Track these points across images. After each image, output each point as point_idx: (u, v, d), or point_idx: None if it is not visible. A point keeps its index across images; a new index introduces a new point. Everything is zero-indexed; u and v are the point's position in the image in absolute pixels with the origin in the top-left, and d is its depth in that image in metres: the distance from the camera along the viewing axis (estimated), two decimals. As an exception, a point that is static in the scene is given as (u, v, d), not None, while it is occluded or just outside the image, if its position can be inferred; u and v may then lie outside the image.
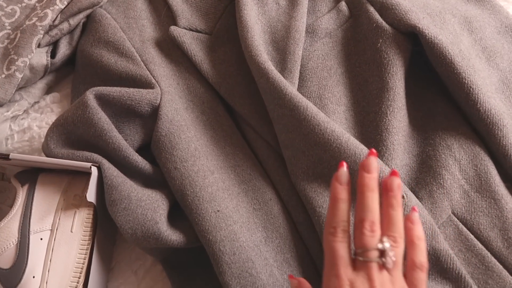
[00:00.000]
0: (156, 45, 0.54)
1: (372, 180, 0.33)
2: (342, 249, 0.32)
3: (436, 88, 0.51)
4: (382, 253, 0.31)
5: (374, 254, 0.31)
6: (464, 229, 0.45)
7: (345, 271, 0.31)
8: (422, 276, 0.32)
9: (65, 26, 0.54)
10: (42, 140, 0.54)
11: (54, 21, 0.52)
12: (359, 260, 0.31)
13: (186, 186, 0.45)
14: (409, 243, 0.33)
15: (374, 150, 0.35)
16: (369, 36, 0.52)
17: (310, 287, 0.36)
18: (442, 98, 0.51)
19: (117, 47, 0.52)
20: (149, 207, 0.43)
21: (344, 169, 0.35)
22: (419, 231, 0.34)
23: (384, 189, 0.34)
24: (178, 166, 0.46)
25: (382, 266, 0.31)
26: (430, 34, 0.48)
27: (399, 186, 0.34)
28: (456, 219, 0.45)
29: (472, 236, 0.44)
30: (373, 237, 0.31)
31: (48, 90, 0.57)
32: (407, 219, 0.35)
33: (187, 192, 0.45)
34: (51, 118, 0.55)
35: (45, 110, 0.56)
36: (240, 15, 0.51)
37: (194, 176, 0.45)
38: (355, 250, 0.32)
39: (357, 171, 0.42)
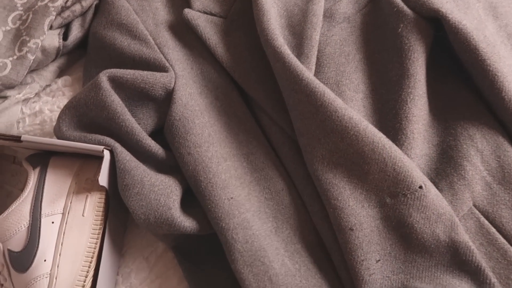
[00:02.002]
0: (169, 28, 0.53)
1: None
2: None
3: (458, 76, 0.50)
4: None
5: None
6: (486, 222, 0.43)
7: None
8: None
9: (77, 8, 0.53)
10: (54, 123, 0.54)
11: (66, 2, 0.52)
12: None
13: (199, 172, 0.44)
14: None
15: None
16: (389, 21, 0.50)
17: None
18: (465, 86, 0.50)
19: (130, 30, 0.51)
20: (162, 192, 0.43)
21: None
22: None
23: None
24: (191, 152, 0.45)
25: None
26: (454, 18, 0.47)
27: None
28: (477, 211, 0.44)
29: (494, 229, 0.43)
30: None
31: (60, 73, 0.57)
32: None
33: (201, 178, 0.44)
34: (63, 101, 0.55)
35: (57, 94, 0.56)
36: None
37: (207, 162, 0.45)
38: None
39: (375, 160, 0.42)
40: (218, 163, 0.45)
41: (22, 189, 0.51)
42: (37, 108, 0.55)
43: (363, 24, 0.52)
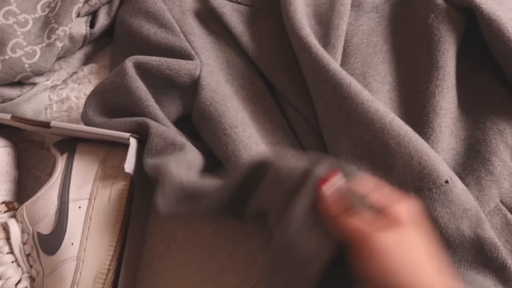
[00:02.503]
0: (195, 16, 0.53)
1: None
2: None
3: (489, 69, 0.49)
4: None
5: None
6: None
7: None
8: None
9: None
10: (80, 110, 0.55)
11: None
12: None
13: (240, 150, 0.44)
14: None
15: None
16: (419, 11, 0.49)
17: None
18: (495, 80, 0.48)
19: (156, 18, 0.51)
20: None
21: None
22: None
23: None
24: (229, 133, 0.45)
25: None
26: (487, 9, 0.45)
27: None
28: (504, 208, 0.43)
29: (521, 227, 0.42)
30: None
31: (86, 60, 0.58)
32: None
33: (243, 156, 0.43)
34: (89, 88, 0.56)
35: (83, 81, 0.57)
36: None
37: (247, 141, 0.44)
38: None
39: (400, 154, 0.41)
40: (257, 143, 0.45)
41: (49, 174, 0.52)
42: (64, 95, 0.56)
43: (392, 14, 0.51)
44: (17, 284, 0.43)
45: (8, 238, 0.43)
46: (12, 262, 0.43)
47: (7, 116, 0.44)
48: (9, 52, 0.48)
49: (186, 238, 0.50)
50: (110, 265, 0.42)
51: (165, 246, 0.50)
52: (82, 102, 0.56)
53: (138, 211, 0.46)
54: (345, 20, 0.49)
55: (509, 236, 0.42)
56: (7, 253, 0.43)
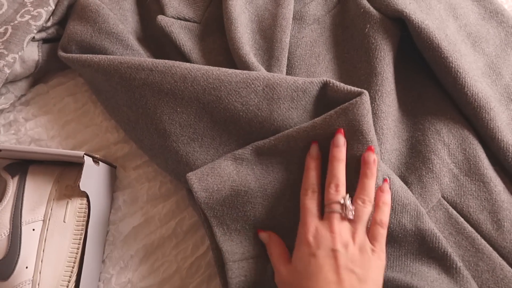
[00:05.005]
0: (146, 39, 0.56)
1: (339, 153, 0.42)
2: (310, 204, 0.41)
3: (426, 74, 0.54)
4: (343, 206, 0.40)
5: (336, 207, 0.40)
6: (454, 212, 0.47)
7: (312, 220, 0.40)
8: (381, 231, 0.40)
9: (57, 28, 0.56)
10: (29, 131, 0.56)
11: (47, 22, 0.54)
12: (326, 212, 0.40)
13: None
14: (376, 206, 0.41)
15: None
16: (356, 21, 0.54)
17: (280, 240, 0.42)
18: (431, 83, 0.53)
19: (121, 39, 0.53)
20: None
21: (315, 146, 0.43)
22: (386, 198, 0.42)
23: (362, 162, 0.42)
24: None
25: (344, 217, 0.39)
26: (416, 19, 0.50)
27: (375, 161, 0.42)
28: (446, 202, 0.47)
29: (462, 219, 0.47)
30: (337, 194, 0.40)
31: (34, 82, 0.58)
32: (379, 188, 0.43)
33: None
34: (37, 109, 0.57)
35: (31, 102, 0.58)
36: (226, 5, 0.53)
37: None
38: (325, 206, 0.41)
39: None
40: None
41: (1, 199, 0.52)
42: (11, 118, 0.57)
43: (332, 25, 0.56)
44: None
45: None
46: None
47: (-48, 142, 0.44)
48: (-48, 78, 0.49)
49: (146, 254, 0.51)
50: (68, 286, 0.43)
51: (124, 264, 0.51)
52: (30, 123, 0.56)
53: (96, 230, 0.47)
54: (287, 33, 0.53)
55: (452, 229, 0.46)
56: None
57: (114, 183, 0.53)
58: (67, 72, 0.59)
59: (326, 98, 0.45)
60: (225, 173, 0.44)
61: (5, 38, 0.51)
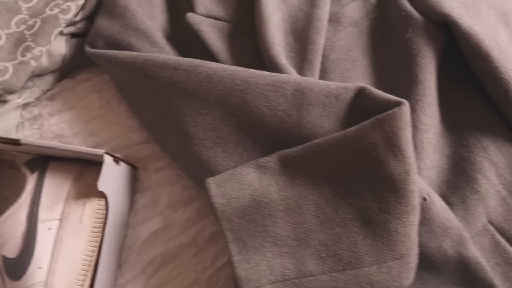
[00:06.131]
0: (174, 37, 0.54)
1: None
2: None
3: (472, 84, 0.50)
4: None
5: None
6: (502, 239, 0.43)
7: None
8: None
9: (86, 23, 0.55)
10: (53, 127, 0.55)
11: (76, 16, 0.54)
12: None
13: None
14: None
15: None
16: (397, 25, 0.51)
17: None
18: (479, 95, 0.50)
19: (148, 36, 0.52)
20: None
21: None
22: None
23: None
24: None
25: None
26: (464, 24, 0.47)
27: None
28: (492, 228, 0.44)
29: (510, 247, 0.43)
30: None
31: (61, 76, 0.58)
32: None
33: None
34: (62, 104, 0.56)
35: (56, 97, 0.58)
36: (258, 4, 0.51)
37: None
38: None
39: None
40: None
41: (19, 195, 0.52)
42: (36, 112, 0.57)
43: (370, 28, 0.53)
44: None
45: None
46: None
47: (-25, 134, 0.44)
48: (-21, 69, 0.49)
49: (164, 262, 0.49)
50: (80, 289, 0.42)
51: (141, 270, 0.49)
52: (55, 118, 0.56)
53: (113, 233, 0.46)
54: (322, 35, 0.51)
55: (499, 258, 0.43)
56: None
57: (135, 185, 0.52)
58: (94, 68, 0.59)
59: (361, 106, 0.43)
60: (246, 180, 0.42)
61: (33, 30, 0.51)
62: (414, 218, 0.39)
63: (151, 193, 0.52)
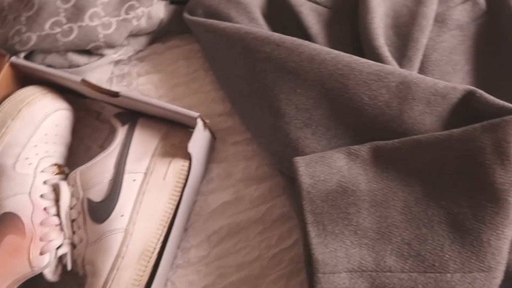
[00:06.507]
0: (271, 16, 0.55)
1: None
2: None
3: None
4: None
5: None
6: None
7: None
8: None
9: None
10: (140, 86, 0.57)
11: None
12: None
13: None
14: None
15: None
16: (507, 35, 0.49)
17: None
18: None
19: (248, 11, 0.52)
20: None
21: None
22: None
23: None
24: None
25: None
26: None
27: None
28: None
29: None
30: None
31: (153, 40, 0.60)
32: None
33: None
34: (151, 67, 0.58)
35: (146, 59, 0.59)
36: None
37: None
38: None
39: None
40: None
41: (100, 146, 0.54)
42: (126, 70, 0.58)
43: (477, 34, 0.51)
44: (58, 248, 0.43)
45: (57, 200, 0.44)
46: (56, 225, 0.44)
47: (78, 79, 0.46)
48: (86, 20, 0.51)
49: (229, 233, 0.50)
50: (156, 245, 0.42)
51: (206, 237, 0.50)
52: (142, 78, 0.57)
53: (189, 196, 0.46)
54: (426, 34, 0.49)
55: None
56: (53, 215, 0.44)
57: (211, 154, 0.53)
58: (185, 36, 0.60)
59: (467, 109, 0.41)
60: (336, 165, 0.41)
61: (138, -9, 0.53)
62: (510, 232, 0.37)
63: (226, 165, 0.53)
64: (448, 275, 0.37)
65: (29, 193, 0.43)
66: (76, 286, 0.48)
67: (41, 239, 0.42)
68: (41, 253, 0.42)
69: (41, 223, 0.42)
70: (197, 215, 0.51)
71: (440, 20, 0.52)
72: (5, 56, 0.47)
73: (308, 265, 0.41)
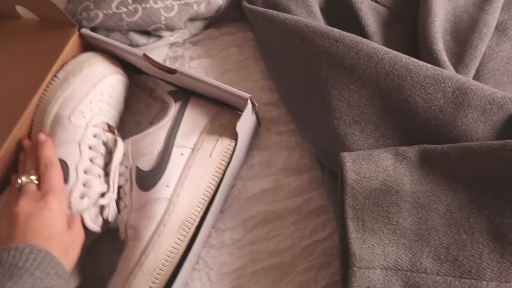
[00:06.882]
0: (328, 11, 0.55)
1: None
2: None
3: None
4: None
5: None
6: None
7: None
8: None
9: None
10: (191, 69, 0.59)
11: None
12: None
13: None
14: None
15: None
16: None
17: None
18: None
19: (307, 5, 0.53)
20: None
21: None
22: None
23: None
24: None
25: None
26: None
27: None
28: None
29: None
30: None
31: (209, 25, 0.61)
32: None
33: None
34: (203, 51, 0.60)
35: (200, 43, 0.61)
36: None
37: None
38: None
39: None
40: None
41: (150, 122, 0.56)
42: (179, 53, 0.60)
43: (538, 48, 0.50)
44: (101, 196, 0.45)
45: (103, 154, 0.46)
46: (100, 176, 0.46)
47: (140, 53, 0.48)
48: (151, 2, 0.53)
49: (265, 219, 0.51)
50: (196, 217, 0.44)
51: (242, 221, 0.51)
52: (194, 62, 0.59)
53: (230, 177, 0.48)
54: (485, 42, 0.49)
55: None
56: (98, 166, 0.46)
57: (254, 140, 0.54)
58: (239, 23, 0.61)
59: None
60: (382, 164, 0.41)
61: (202, -25, 0.54)
62: None
63: (268, 153, 0.54)
64: (484, 282, 0.37)
65: (79, 142, 0.45)
66: (114, 253, 0.50)
67: (83, 184, 0.44)
68: (81, 197, 0.44)
69: (85, 171, 0.45)
70: (235, 199, 0.52)
71: (501, 29, 0.51)
72: (75, 26, 0.50)
73: (343, 258, 0.42)
